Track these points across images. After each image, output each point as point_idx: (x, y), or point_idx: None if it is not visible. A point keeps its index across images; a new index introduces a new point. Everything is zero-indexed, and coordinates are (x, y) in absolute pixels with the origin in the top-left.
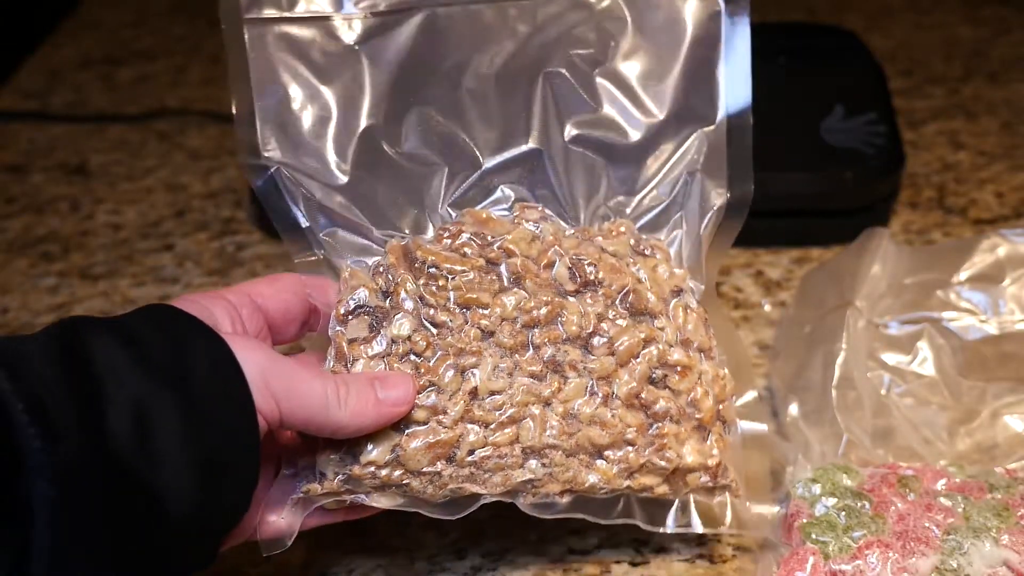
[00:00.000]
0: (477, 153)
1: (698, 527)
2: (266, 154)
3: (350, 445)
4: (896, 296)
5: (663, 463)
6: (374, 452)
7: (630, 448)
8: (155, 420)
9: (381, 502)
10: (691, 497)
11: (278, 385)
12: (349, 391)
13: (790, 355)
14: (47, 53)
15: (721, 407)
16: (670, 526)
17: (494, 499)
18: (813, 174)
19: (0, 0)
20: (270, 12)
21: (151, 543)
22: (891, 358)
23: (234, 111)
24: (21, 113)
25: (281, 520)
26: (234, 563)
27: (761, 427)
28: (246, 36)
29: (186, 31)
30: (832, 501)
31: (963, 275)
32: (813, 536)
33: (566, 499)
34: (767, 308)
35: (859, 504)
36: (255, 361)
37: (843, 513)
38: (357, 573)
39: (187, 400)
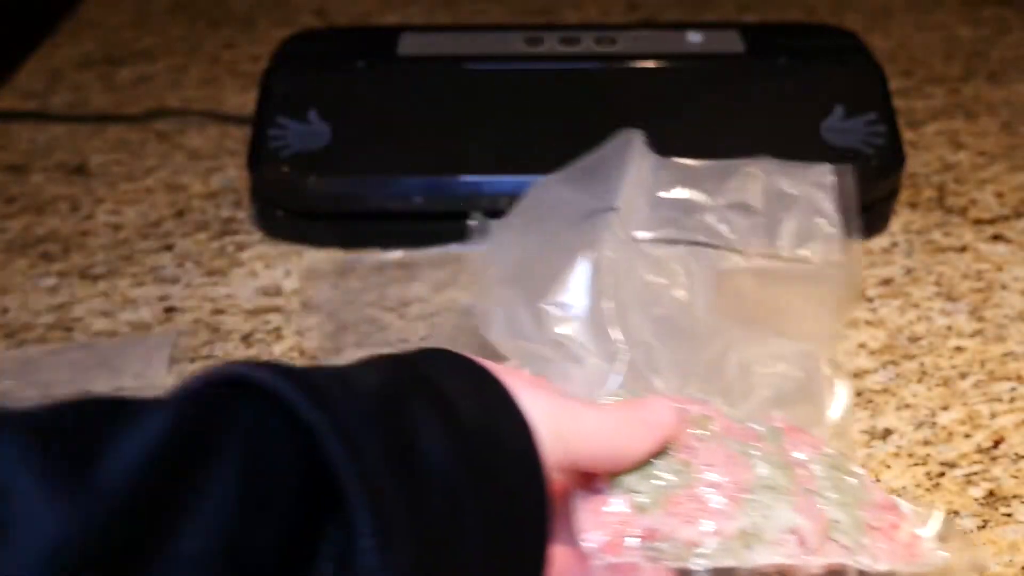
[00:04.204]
0: None
1: None
2: None
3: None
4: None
5: None
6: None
7: None
8: (464, 514)
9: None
10: None
11: (566, 424)
12: (622, 418)
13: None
14: (47, 53)
15: None
16: None
17: None
18: None
19: (0, 0)
20: None
21: None
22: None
23: None
24: (21, 113)
25: None
26: None
27: None
28: None
29: (186, 31)
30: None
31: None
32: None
33: None
34: None
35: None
36: (544, 412)
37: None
38: None
39: (488, 490)
